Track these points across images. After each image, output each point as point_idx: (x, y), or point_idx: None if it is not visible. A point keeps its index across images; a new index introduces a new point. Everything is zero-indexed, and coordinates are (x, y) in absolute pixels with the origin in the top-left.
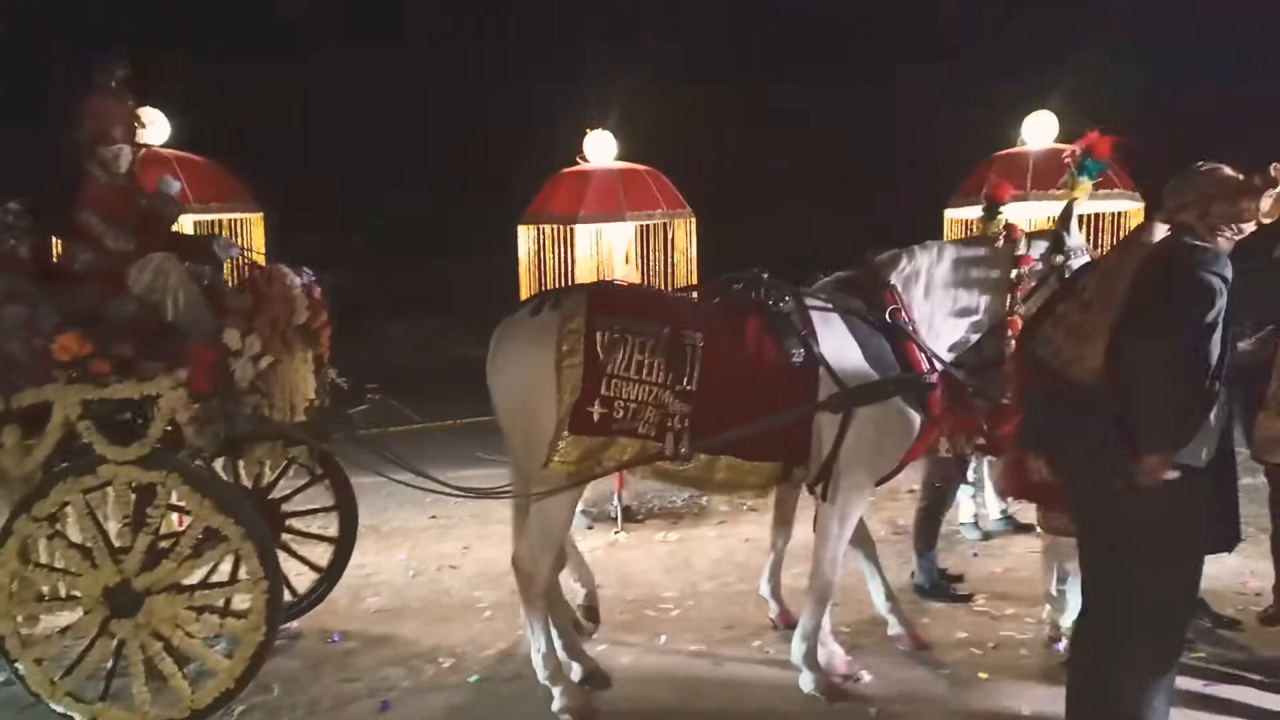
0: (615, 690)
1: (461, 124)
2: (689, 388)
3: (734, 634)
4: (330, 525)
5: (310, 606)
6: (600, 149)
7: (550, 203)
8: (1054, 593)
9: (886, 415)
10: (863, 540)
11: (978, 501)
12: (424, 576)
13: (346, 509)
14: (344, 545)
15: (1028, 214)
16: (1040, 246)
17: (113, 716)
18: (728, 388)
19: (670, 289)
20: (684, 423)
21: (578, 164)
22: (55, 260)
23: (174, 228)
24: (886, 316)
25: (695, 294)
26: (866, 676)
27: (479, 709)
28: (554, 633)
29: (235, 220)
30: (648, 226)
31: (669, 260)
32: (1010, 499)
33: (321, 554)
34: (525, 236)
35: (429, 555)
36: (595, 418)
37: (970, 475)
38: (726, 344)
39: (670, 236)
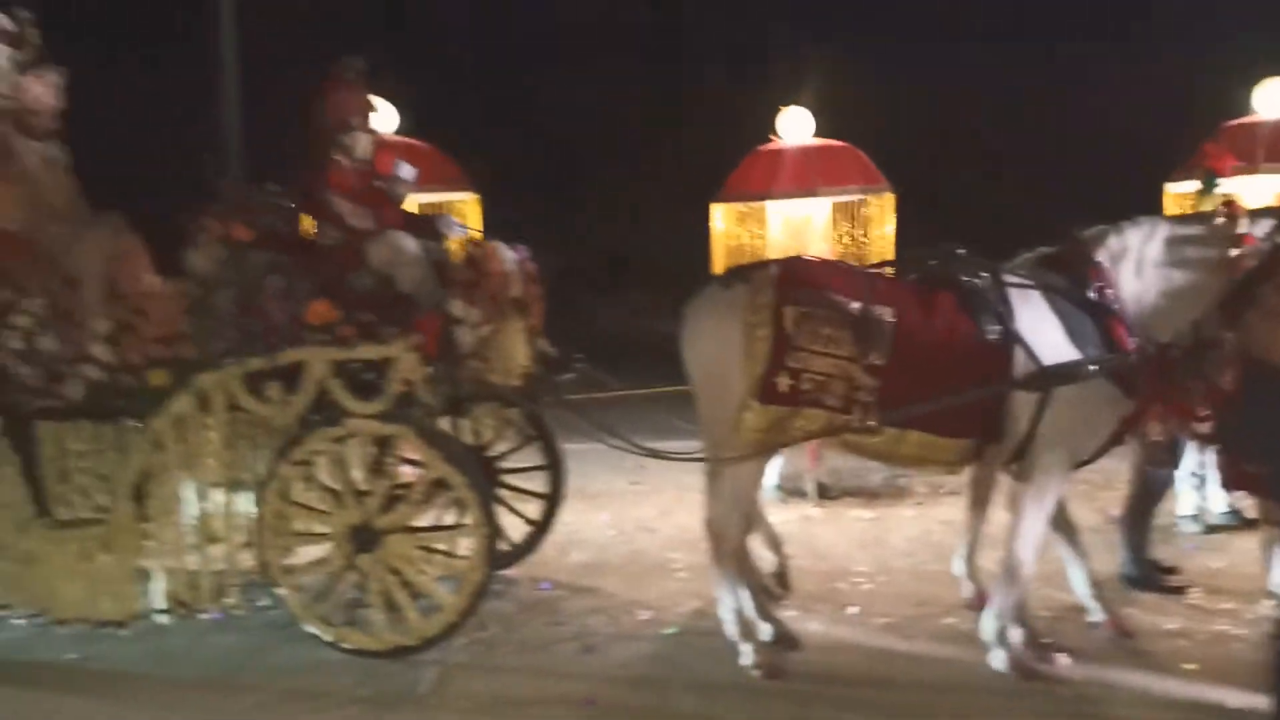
0: (804, 654)
1: (662, 105)
2: (878, 362)
3: (926, 610)
4: (543, 483)
5: (522, 557)
6: (796, 126)
7: (744, 181)
8: (1275, 588)
9: (1087, 396)
10: (1064, 524)
11: (1202, 494)
12: (624, 536)
13: (555, 469)
14: (553, 502)
15: (1259, 189)
16: (1266, 225)
17: (355, 639)
18: (918, 363)
19: (873, 264)
20: (872, 396)
21: (771, 141)
22: (306, 237)
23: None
24: (1091, 294)
25: (889, 270)
26: (1064, 659)
27: (676, 658)
28: (744, 594)
29: (453, 201)
30: (844, 203)
31: (866, 237)
32: (1237, 492)
33: (533, 510)
34: (719, 215)
35: (628, 518)
36: (782, 389)
37: (1196, 466)
38: (918, 319)
39: (868, 213)
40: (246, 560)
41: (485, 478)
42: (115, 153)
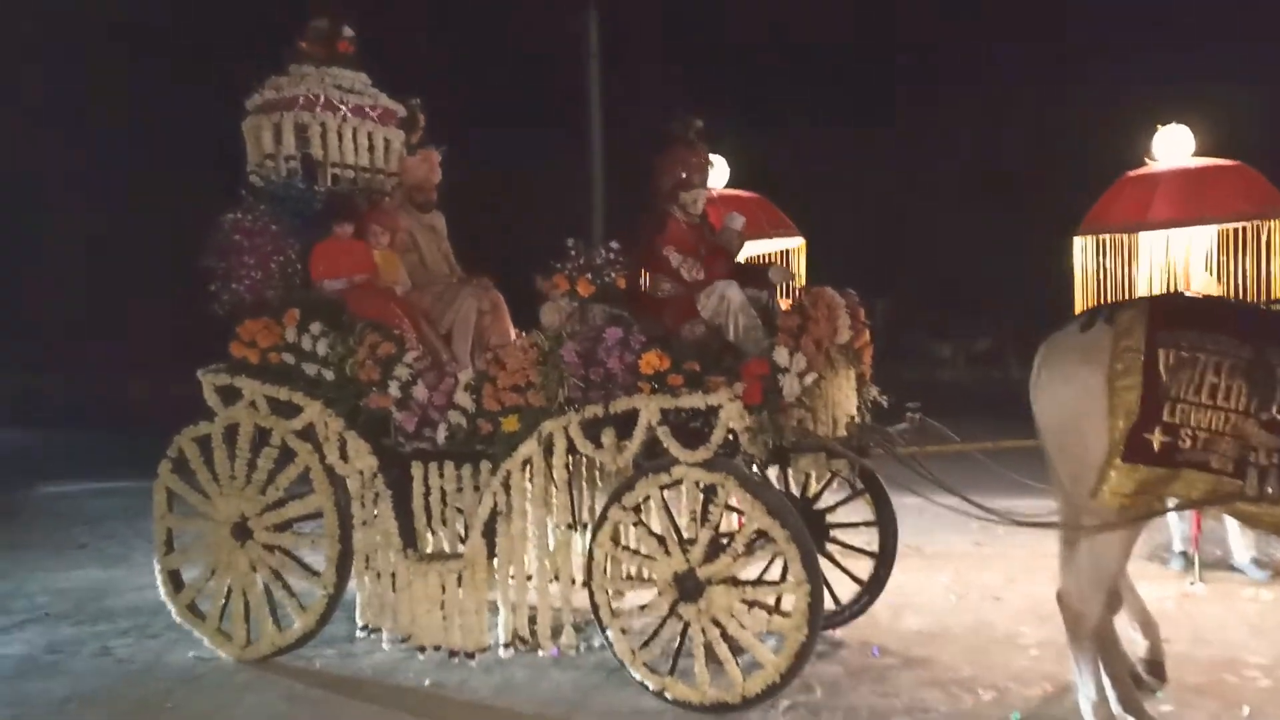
0: None
1: (1009, 131)
2: (1279, 417)
3: None
4: (873, 540)
5: (851, 618)
6: (1174, 146)
7: (1112, 210)
8: None
9: None
10: None
11: None
12: (966, 603)
13: (886, 525)
14: (884, 561)
15: None
16: None
17: (679, 690)
18: None
19: (1261, 301)
20: (1271, 458)
21: (1145, 164)
22: (643, 290)
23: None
24: None
25: None
26: None
27: None
28: (1106, 681)
29: (782, 251)
30: (1234, 230)
31: (1264, 269)
32: None
33: (863, 568)
34: (1082, 248)
35: (971, 582)
36: (1155, 446)
37: None
38: None
39: (1266, 241)
40: (581, 600)
41: (812, 532)
42: (488, 219)
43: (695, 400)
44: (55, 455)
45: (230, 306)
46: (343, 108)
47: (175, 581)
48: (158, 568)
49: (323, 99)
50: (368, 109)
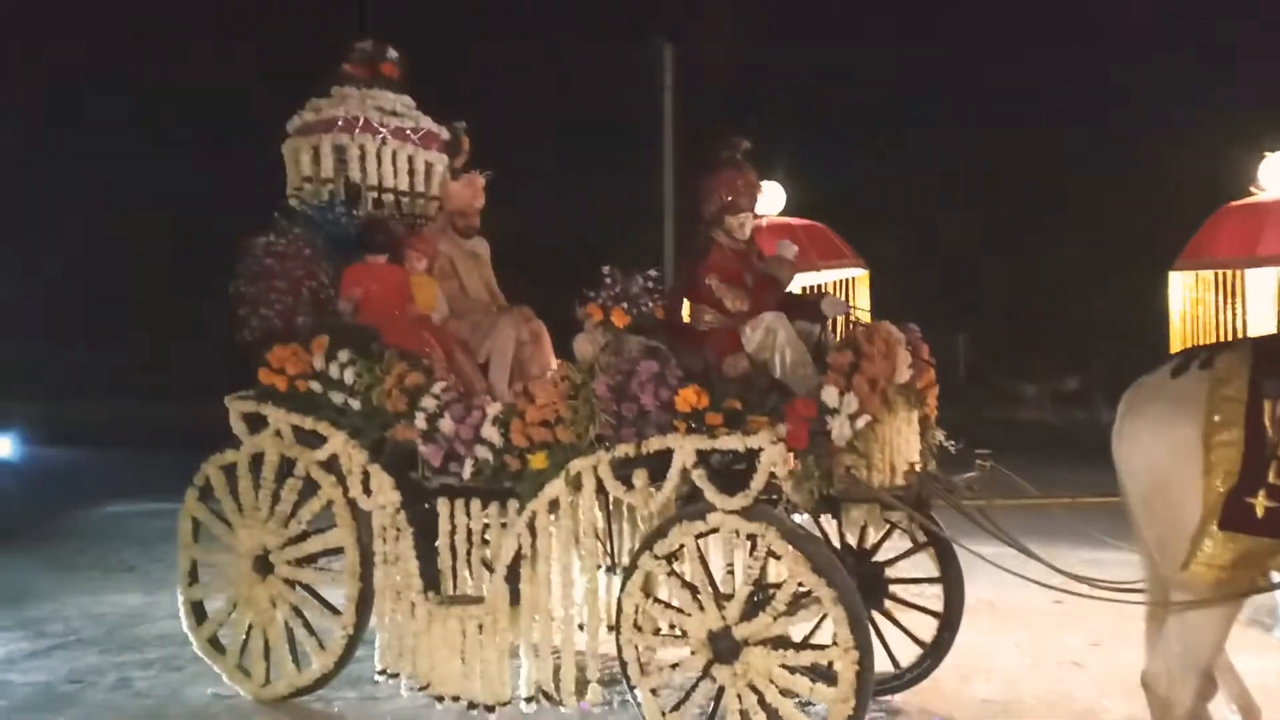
0: None
1: (1101, 160)
2: None
3: None
4: (938, 598)
5: (912, 683)
6: None
7: (1214, 243)
8: None
9: None
10: None
11: None
12: (1042, 669)
13: (952, 582)
14: (949, 621)
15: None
16: None
17: None
18: None
19: None
20: None
21: (1250, 194)
22: (683, 321)
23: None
24: None
25: None
26: None
27: None
28: None
29: (843, 280)
30: None
31: None
32: None
33: (927, 627)
34: (1180, 285)
35: (1049, 645)
36: (1259, 512)
37: None
38: None
39: None
40: (609, 650)
41: (869, 587)
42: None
43: (734, 442)
44: (122, 475)
45: (259, 332)
46: (382, 130)
47: (198, 613)
48: (180, 599)
49: (362, 121)
50: (409, 131)
